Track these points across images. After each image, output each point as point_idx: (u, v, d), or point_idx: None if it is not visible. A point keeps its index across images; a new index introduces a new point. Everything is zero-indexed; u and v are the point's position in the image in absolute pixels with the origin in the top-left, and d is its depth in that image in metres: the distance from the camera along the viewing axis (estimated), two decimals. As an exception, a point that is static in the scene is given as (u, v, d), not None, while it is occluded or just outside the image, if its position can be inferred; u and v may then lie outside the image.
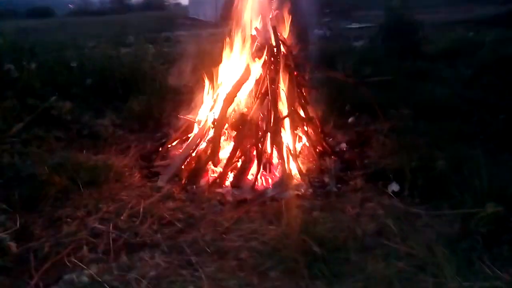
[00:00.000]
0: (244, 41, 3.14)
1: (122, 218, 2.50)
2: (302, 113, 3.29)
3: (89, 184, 2.85)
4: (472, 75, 5.99)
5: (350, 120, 4.25)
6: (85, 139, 3.80)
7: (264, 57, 3.12)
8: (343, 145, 3.75)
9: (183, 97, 4.39)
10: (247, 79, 3.09)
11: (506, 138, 3.57)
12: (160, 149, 3.45)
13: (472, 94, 4.92)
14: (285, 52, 3.17)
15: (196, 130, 3.32)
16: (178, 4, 41.00)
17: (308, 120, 3.25)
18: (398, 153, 3.30)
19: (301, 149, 3.25)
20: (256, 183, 2.92)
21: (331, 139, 3.83)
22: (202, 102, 3.40)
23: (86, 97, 4.47)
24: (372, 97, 3.48)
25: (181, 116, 3.44)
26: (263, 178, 2.97)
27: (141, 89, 4.70)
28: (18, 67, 4.28)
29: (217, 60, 3.39)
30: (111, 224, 2.42)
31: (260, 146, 3.00)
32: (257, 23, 3.17)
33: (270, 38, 3.16)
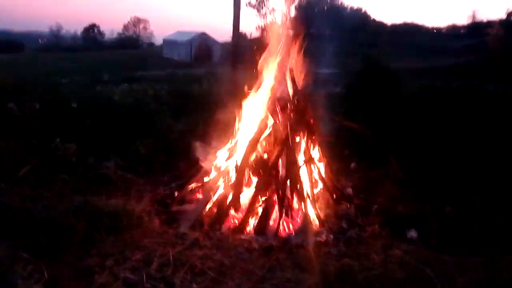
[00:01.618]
0: (265, 91, 3.27)
1: (153, 267, 2.45)
2: (317, 158, 3.40)
3: (110, 230, 2.79)
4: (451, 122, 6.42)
5: (352, 165, 4.42)
6: (92, 182, 3.71)
7: (283, 107, 3.26)
8: (349, 190, 3.89)
9: (188, 140, 4.43)
10: (267, 127, 3.20)
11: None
12: (176, 193, 3.43)
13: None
14: (301, 102, 3.33)
15: (214, 175, 3.35)
16: (152, 45, 41.56)
17: (324, 165, 3.37)
18: (406, 199, 3.48)
19: (318, 194, 3.34)
20: (279, 229, 2.95)
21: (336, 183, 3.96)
22: (218, 148, 3.46)
23: (89, 138, 4.41)
24: (384, 144, 3.64)
25: (200, 162, 3.46)
26: (284, 223, 3.01)
27: (146, 131, 4.69)
28: (20, 105, 4.19)
29: (233, 108, 3.50)
30: (143, 274, 2.37)
31: (281, 192, 3.07)
32: (277, 75, 3.33)
33: (288, 89, 3.32)
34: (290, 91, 3.31)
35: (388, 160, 4.34)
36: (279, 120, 3.25)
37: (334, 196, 3.34)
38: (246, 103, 3.38)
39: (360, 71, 9.82)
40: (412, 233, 2.92)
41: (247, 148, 3.13)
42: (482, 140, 5.04)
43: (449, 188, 3.70)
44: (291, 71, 3.34)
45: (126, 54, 32.30)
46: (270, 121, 3.21)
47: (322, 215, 3.16)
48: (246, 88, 3.39)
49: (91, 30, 42.73)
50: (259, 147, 3.22)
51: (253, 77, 3.38)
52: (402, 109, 6.94)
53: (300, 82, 3.43)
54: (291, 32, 3.44)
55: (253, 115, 3.32)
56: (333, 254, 2.70)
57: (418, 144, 4.95)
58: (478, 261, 2.52)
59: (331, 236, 2.95)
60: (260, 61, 3.34)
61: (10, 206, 2.96)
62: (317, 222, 3.09)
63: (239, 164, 3.11)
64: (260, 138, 3.16)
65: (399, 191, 3.68)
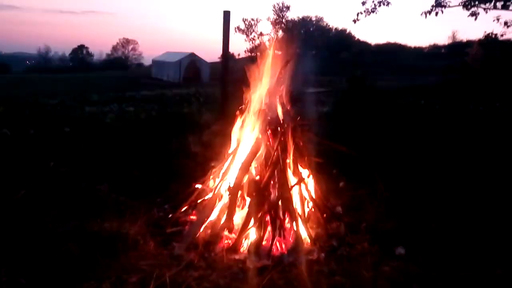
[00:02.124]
0: (255, 115, 3.40)
1: (150, 289, 2.50)
2: (308, 179, 3.52)
3: (106, 253, 2.84)
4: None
5: (341, 184, 4.54)
6: (86, 205, 3.75)
7: (274, 130, 3.39)
8: (339, 209, 3.99)
9: (181, 162, 4.53)
10: (259, 149, 3.32)
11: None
12: (170, 215, 3.49)
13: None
14: (291, 123, 3.46)
15: (207, 197, 3.43)
16: (141, 65, 41.84)
17: (314, 186, 3.49)
18: (393, 217, 3.61)
19: (309, 214, 3.44)
20: (272, 249, 3.03)
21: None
22: (211, 171, 3.55)
23: (82, 162, 4.46)
24: (370, 164, 3.78)
25: (195, 184, 3.55)
26: (277, 243, 3.10)
27: (137, 153, 4.76)
28: (14, 131, 4.24)
29: (225, 132, 3.62)
30: (140, 297, 2.42)
31: (273, 213, 3.16)
32: (266, 99, 3.47)
33: (278, 112, 3.46)
34: (280, 114, 3.44)
35: (375, 179, 4.51)
36: (270, 142, 3.37)
37: (325, 215, 3.44)
38: (237, 126, 3.49)
39: (346, 90, 10.12)
40: (400, 250, 3.03)
41: (239, 170, 3.23)
42: (467, 156, 5.25)
43: (436, 205, 3.85)
44: (281, 95, 3.48)
45: (115, 74, 32.41)
46: (262, 144, 3.32)
47: (313, 234, 3.25)
48: (237, 111, 3.51)
49: (80, 51, 42.86)
50: (251, 169, 3.32)
51: (243, 99, 3.51)
52: (389, 128, 7.16)
53: (289, 105, 3.57)
54: (279, 54, 3.59)
55: (245, 138, 3.43)
56: (325, 272, 2.79)
57: (404, 162, 5.13)
58: (466, 276, 2.63)
59: (323, 255, 3.04)
60: (249, 84, 3.47)
61: (4, 231, 2.99)
62: (308, 241, 3.18)
63: (232, 185, 3.20)
64: (252, 160, 3.26)
65: (387, 209, 3.80)
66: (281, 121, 3.43)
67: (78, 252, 2.76)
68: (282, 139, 3.35)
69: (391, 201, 3.93)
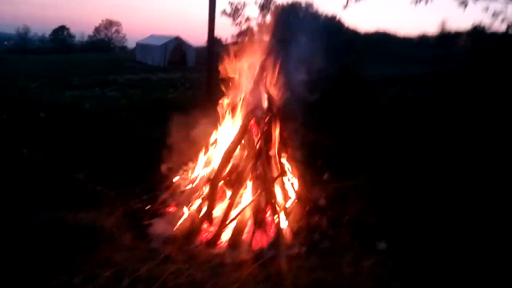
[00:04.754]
0: (239, 103, 3.29)
1: (124, 284, 2.41)
2: (290, 171, 3.44)
3: (80, 247, 2.73)
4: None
5: (325, 176, 4.48)
6: (62, 195, 3.61)
7: (258, 118, 3.28)
8: (322, 201, 3.94)
9: (161, 151, 4.39)
10: (241, 140, 3.22)
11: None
12: (148, 207, 3.39)
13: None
14: (276, 114, 3.36)
15: (187, 188, 3.33)
16: (125, 48, 40.81)
17: (297, 178, 3.42)
18: (377, 210, 3.58)
19: (291, 207, 3.37)
20: (252, 242, 2.96)
21: (309, 195, 4.02)
22: (191, 161, 3.44)
23: (58, 149, 4.29)
24: (353, 157, 3.72)
25: (175, 175, 3.44)
26: (258, 237, 3.03)
27: (117, 141, 4.61)
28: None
29: (210, 120, 3.50)
30: (114, 292, 2.33)
31: (254, 205, 3.09)
32: (251, 86, 3.35)
33: (263, 101, 3.35)
34: (265, 104, 3.34)
35: (360, 171, 4.47)
36: (252, 133, 3.27)
37: (307, 208, 3.38)
38: (220, 115, 3.38)
39: (334, 79, 10.02)
40: (382, 245, 3.00)
41: (220, 161, 3.13)
42: (452, 149, 5.24)
43: (421, 199, 3.82)
44: (265, 83, 3.37)
45: (98, 57, 31.59)
46: (244, 134, 3.22)
47: (295, 228, 3.19)
48: (220, 99, 3.40)
49: (60, 33, 41.58)
50: (232, 160, 3.22)
51: (227, 87, 3.38)
52: (375, 118, 7.12)
53: (274, 94, 3.46)
54: (265, 41, 3.46)
55: (227, 127, 3.33)
56: (305, 267, 2.73)
57: (389, 154, 5.10)
58: (445, 273, 2.62)
59: (304, 249, 2.99)
60: (233, 71, 3.35)
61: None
62: (290, 234, 3.12)
63: (212, 177, 3.11)
64: (234, 151, 3.16)
65: (371, 202, 3.77)
66: (265, 110, 3.32)
67: (50, 245, 2.64)
68: (266, 129, 3.25)
69: (375, 194, 3.89)
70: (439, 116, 7.64)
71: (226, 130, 3.33)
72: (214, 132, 3.42)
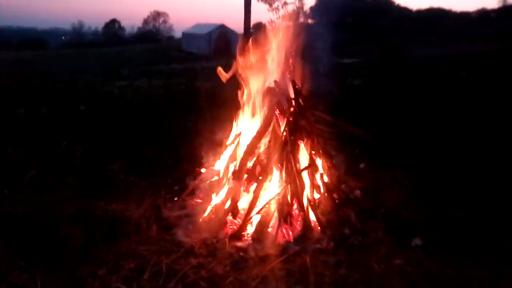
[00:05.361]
0: (262, 93, 3.18)
1: (145, 277, 2.43)
2: (320, 162, 3.29)
3: (107, 237, 2.79)
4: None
5: (361, 165, 4.27)
6: (96, 186, 3.74)
7: (283, 109, 3.16)
8: (357, 192, 3.75)
9: (196, 142, 4.40)
10: (266, 130, 3.11)
11: None
12: (176, 198, 3.40)
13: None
14: (302, 103, 3.22)
15: (214, 180, 3.30)
16: (172, 38, 41.78)
17: (327, 170, 3.26)
18: (416, 204, 3.34)
19: (320, 199, 3.23)
20: (277, 236, 2.88)
21: (344, 185, 3.83)
22: (219, 152, 3.40)
23: (96, 141, 4.44)
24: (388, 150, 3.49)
25: (199, 168, 3.42)
26: (284, 230, 2.93)
27: (154, 132, 4.69)
28: (28, 110, 4.25)
29: (235, 110, 3.43)
30: (134, 284, 2.36)
31: (280, 198, 2.99)
32: (276, 76, 3.23)
33: (288, 90, 3.22)
34: (290, 93, 3.20)
35: (400, 161, 4.20)
36: (278, 124, 3.15)
37: (337, 200, 3.22)
38: (245, 105, 3.29)
39: (378, 62, 9.55)
40: (417, 241, 2.79)
41: (244, 153, 3.05)
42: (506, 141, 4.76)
43: (465, 192, 3.52)
44: (290, 71, 3.23)
45: (146, 48, 32.64)
46: (269, 125, 3.11)
47: (323, 221, 3.05)
48: (243, 89, 3.30)
49: (112, 26, 43.39)
50: (258, 151, 3.13)
51: (251, 75, 3.27)
52: (421, 103, 6.68)
53: (301, 82, 3.31)
54: (290, 26, 3.30)
55: (252, 118, 3.23)
56: (331, 263, 2.61)
57: (436, 143, 4.74)
58: (483, 276, 2.37)
59: (332, 244, 2.85)
60: (257, 60, 3.23)
61: (12, 213, 3.01)
62: (317, 228, 2.99)
63: (236, 168, 3.04)
64: (258, 142, 3.07)
65: (410, 194, 3.53)
66: (291, 100, 3.19)
67: (79, 235, 2.72)
68: (291, 119, 3.12)
69: (415, 186, 3.64)
70: (498, 101, 6.92)
71: (251, 120, 3.24)
72: (239, 122, 3.34)
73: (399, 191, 3.63)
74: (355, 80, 10.50)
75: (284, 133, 3.10)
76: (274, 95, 3.12)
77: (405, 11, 35.31)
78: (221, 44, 28.88)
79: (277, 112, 3.15)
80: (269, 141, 3.12)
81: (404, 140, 4.79)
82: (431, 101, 6.62)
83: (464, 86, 8.59)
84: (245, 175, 3.06)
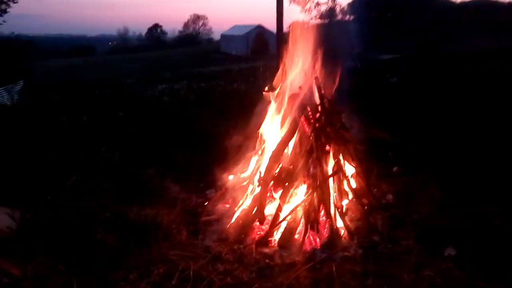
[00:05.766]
0: (289, 99, 3.18)
1: (173, 282, 2.51)
2: (347, 168, 3.24)
3: (139, 243, 2.91)
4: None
5: (394, 169, 4.15)
6: (132, 190, 3.89)
7: (308, 115, 3.14)
8: (390, 197, 3.66)
9: (227, 148, 4.47)
10: (293, 136, 3.11)
11: None
12: (206, 203, 3.48)
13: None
14: (328, 108, 3.18)
15: (242, 185, 3.34)
16: (211, 40, 42.64)
17: (355, 175, 3.21)
18: (450, 210, 3.20)
19: (348, 205, 3.18)
20: (304, 243, 2.87)
21: (375, 190, 3.74)
22: (248, 158, 3.44)
23: (133, 147, 4.62)
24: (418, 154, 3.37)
25: (229, 173, 3.48)
26: (311, 237, 2.92)
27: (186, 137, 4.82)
28: (71, 118, 4.50)
29: (262, 116, 3.44)
30: (162, 290, 2.44)
31: (307, 204, 2.97)
32: (301, 81, 3.21)
33: (314, 96, 3.19)
34: (316, 98, 3.17)
35: (435, 164, 4.04)
36: (304, 130, 3.13)
37: (366, 206, 3.16)
38: (271, 110, 3.30)
39: (416, 58, 9.19)
40: (450, 251, 2.68)
41: (270, 158, 3.07)
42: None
43: (506, 199, 3.32)
44: (317, 77, 3.20)
45: (187, 51, 33.41)
46: (294, 131, 3.11)
47: (352, 228, 3.01)
48: (269, 93, 3.31)
49: (154, 31, 44.91)
50: (284, 157, 3.14)
51: (278, 78, 3.28)
52: (461, 101, 6.36)
53: (327, 86, 3.27)
54: (314, 29, 3.27)
55: (278, 123, 3.24)
56: (358, 272, 2.56)
57: (476, 145, 4.50)
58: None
59: (360, 251, 2.81)
60: (283, 64, 3.23)
61: (54, 218, 3.20)
62: (346, 235, 2.95)
63: (262, 175, 3.07)
64: (284, 148, 3.08)
65: (444, 200, 3.39)
66: (317, 106, 3.16)
67: (113, 240, 2.85)
68: (318, 125, 3.09)
69: (451, 191, 3.49)
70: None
71: (277, 125, 3.25)
72: (265, 127, 3.35)
73: (434, 195, 3.49)
74: (393, 78, 10.18)
75: (310, 139, 3.07)
76: (299, 101, 3.11)
77: (448, 3, 33.70)
78: (258, 45, 29.02)
79: (303, 118, 3.13)
80: (295, 147, 3.11)
81: (441, 142, 4.59)
82: (474, 99, 6.28)
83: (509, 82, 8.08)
84: (272, 181, 3.08)
